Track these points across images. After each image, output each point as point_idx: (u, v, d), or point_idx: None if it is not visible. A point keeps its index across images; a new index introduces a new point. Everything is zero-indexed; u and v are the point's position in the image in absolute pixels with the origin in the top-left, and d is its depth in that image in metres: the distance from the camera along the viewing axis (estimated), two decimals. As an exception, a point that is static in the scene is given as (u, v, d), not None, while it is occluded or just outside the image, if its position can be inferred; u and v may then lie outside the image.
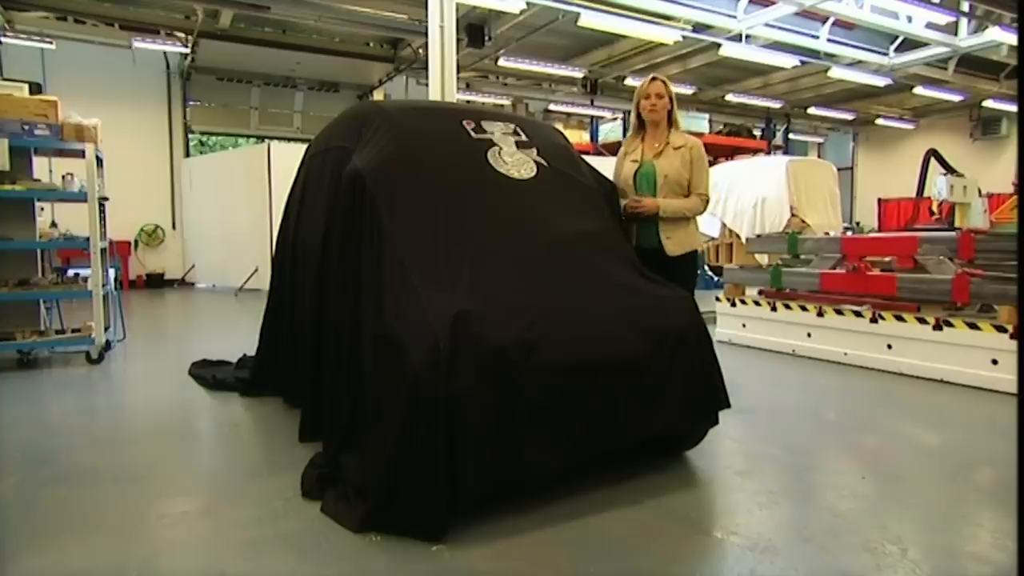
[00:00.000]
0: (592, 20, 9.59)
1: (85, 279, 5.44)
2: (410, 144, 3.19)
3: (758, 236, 7.29)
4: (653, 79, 3.61)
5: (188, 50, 11.36)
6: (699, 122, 16.63)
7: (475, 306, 2.53)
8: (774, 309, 6.13)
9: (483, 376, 2.39)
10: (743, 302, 6.49)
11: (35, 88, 6.41)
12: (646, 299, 2.98)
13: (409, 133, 3.27)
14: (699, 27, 10.55)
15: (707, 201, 3.62)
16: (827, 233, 7.38)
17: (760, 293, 6.53)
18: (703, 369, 2.98)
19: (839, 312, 5.60)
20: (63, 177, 5.45)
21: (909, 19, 10.40)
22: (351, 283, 2.92)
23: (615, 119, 17.88)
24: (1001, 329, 4.56)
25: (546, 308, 2.68)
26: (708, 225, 9.67)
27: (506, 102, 15.21)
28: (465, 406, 2.33)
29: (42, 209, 6.05)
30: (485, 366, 2.40)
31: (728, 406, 3.08)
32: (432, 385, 2.31)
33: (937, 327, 4.89)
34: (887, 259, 5.75)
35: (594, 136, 18.23)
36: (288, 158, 8.55)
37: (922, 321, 5.01)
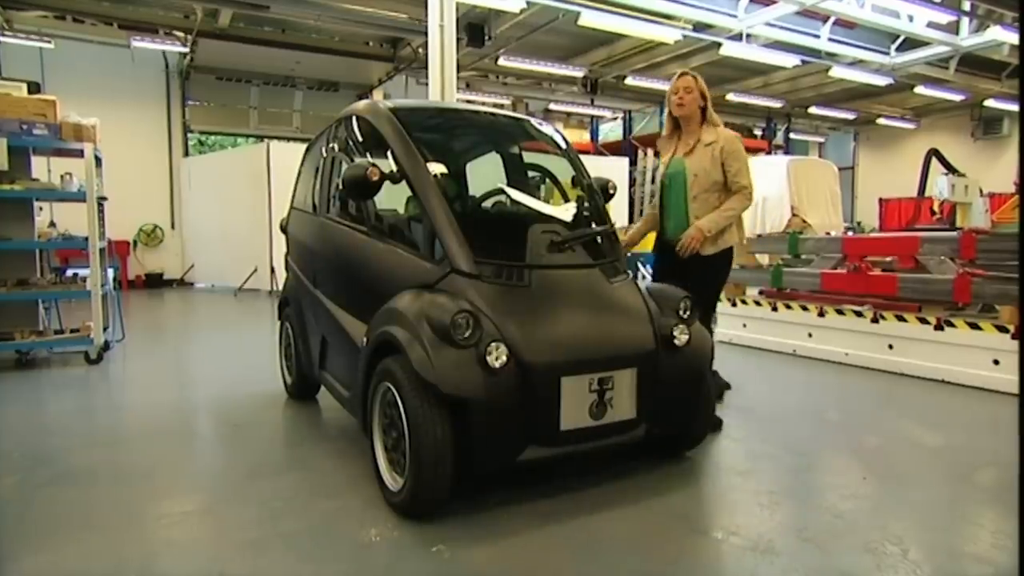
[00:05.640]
0: (592, 19, 9.58)
1: (84, 279, 5.43)
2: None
3: (759, 236, 7.28)
4: (682, 74, 3.61)
5: (187, 49, 11.35)
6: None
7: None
8: (775, 309, 6.12)
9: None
10: (744, 302, 6.48)
11: (33, 87, 6.39)
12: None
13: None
14: (700, 26, 10.54)
15: (750, 194, 3.49)
16: (828, 233, 7.38)
17: (761, 293, 6.52)
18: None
19: (840, 312, 5.58)
20: (62, 177, 5.44)
21: (910, 18, 10.38)
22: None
23: (615, 119, 17.88)
24: (1002, 329, 4.55)
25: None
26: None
27: (506, 102, 15.19)
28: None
29: (40, 209, 6.04)
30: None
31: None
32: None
33: (938, 327, 4.88)
34: (888, 259, 5.74)
35: (594, 136, 18.24)
36: (288, 158, 8.56)
37: (923, 321, 5.00)
